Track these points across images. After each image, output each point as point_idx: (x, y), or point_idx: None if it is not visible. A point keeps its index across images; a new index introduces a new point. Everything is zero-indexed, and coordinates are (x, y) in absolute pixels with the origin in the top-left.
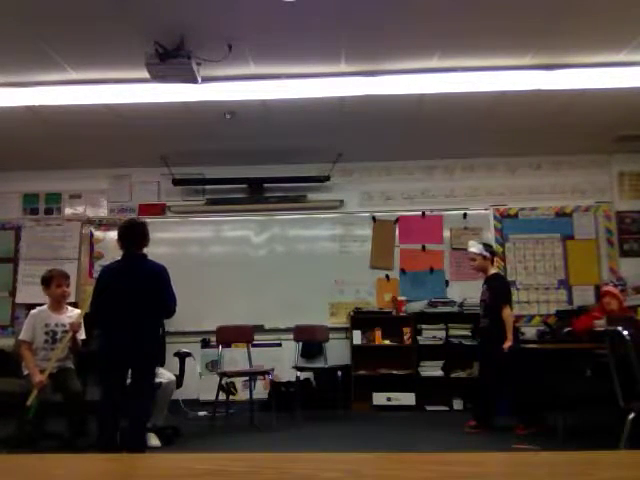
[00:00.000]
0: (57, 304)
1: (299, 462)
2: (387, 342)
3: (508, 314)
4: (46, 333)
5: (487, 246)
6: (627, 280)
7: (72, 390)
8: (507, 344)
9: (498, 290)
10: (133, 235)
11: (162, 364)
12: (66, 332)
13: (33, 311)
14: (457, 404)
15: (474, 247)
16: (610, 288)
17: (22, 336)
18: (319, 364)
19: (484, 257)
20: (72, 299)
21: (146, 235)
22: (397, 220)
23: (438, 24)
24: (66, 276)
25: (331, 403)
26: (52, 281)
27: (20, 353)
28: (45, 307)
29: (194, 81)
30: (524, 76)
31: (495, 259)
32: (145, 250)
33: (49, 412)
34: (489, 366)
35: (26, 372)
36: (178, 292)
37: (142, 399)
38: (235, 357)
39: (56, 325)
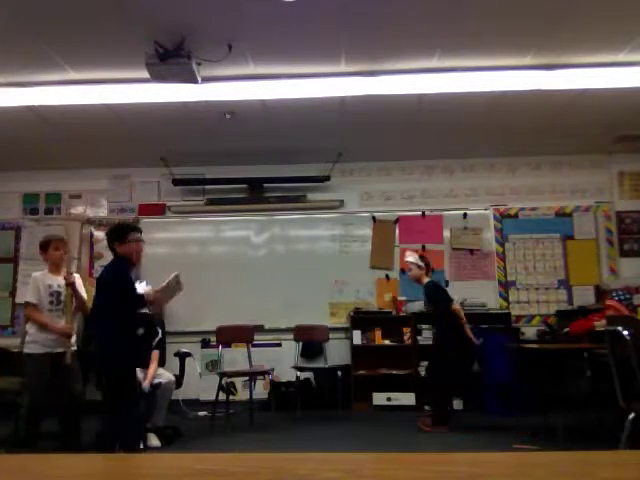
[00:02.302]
0: (55, 267)
1: (299, 462)
2: (387, 342)
3: (457, 309)
4: (50, 294)
5: (422, 258)
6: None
7: (74, 393)
8: (471, 336)
9: (433, 298)
10: None
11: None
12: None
13: (35, 274)
14: (457, 404)
15: (411, 257)
16: (614, 303)
17: (29, 298)
18: (319, 364)
19: (419, 267)
20: None
21: (108, 234)
22: (397, 220)
23: (438, 24)
24: (63, 240)
25: (331, 403)
26: (50, 245)
27: (30, 317)
28: (45, 271)
29: (194, 81)
30: (524, 76)
31: (429, 270)
32: (145, 250)
33: (45, 412)
34: (440, 367)
35: (29, 338)
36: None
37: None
38: (235, 357)
39: (59, 286)
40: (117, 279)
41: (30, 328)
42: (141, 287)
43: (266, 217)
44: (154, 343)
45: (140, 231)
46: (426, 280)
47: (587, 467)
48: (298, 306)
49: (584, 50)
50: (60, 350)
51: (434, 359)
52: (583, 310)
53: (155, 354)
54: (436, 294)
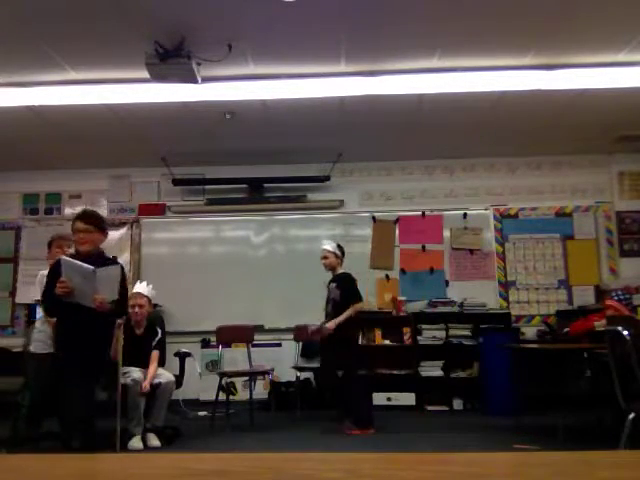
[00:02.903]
0: None
1: (299, 462)
2: (387, 342)
3: (359, 307)
4: None
5: (339, 247)
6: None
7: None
8: (331, 324)
9: (348, 289)
10: None
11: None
12: None
13: (42, 272)
14: (457, 404)
15: (328, 245)
16: (614, 303)
17: (40, 297)
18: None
19: (335, 255)
20: None
21: None
22: (397, 220)
23: (438, 24)
24: (66, 239)
25: (331, 403)
26: (53, 244)
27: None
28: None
29: (194, 81)
30: (524, 76)
31: (343, 259)
32: (145, 250)
33: (45, 412)
34: (342, 366)
35: (37, 337)
36: (178, 292)
37: None
38: (235, 357)
39: None
40: None
41: (41, 325)
42: (141, 287)
43: (266, 217)
44: (153, 343)
45: (80, 217)
46: (340, 270)
47: (587, 467)
48: (298, 306)
49: (584, 50)
50: None
51: (338, 356)
52: (583, 310)
53: (155, 354)
54: (352, 286)
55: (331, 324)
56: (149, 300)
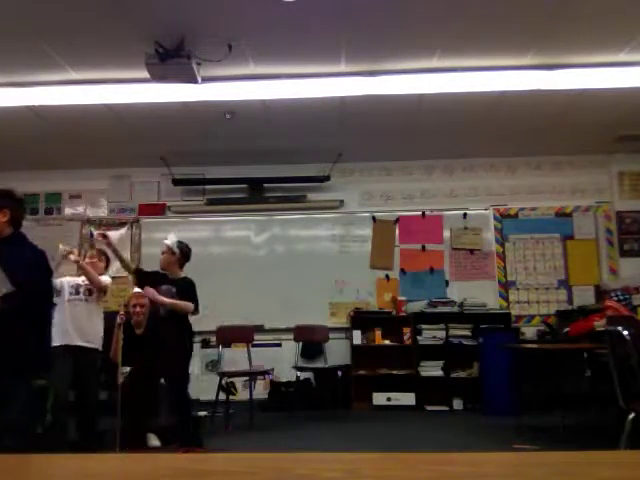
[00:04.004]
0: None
1: (299, 462)
2: (387, 342)
3: (187, 307)
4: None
5: (182, 244)
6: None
7: (84, 390)
8: (163, 299)
9: (192, 298)
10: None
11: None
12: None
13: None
14: (457, 404)
15: (169, 240)
16: (613, 303)
17: None
18: (319, 364)
19: (172, 253)
20: None
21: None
22: (397, 220)
23: (438, 24)
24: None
25: (331, 403)
26: None
27: None
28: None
29: (194, 81)
30: (524, 76)
31: (185, 261)
32: (145, 250)
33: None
34: (180, 379)
35: None
36: None
37: None
38: (235, 357)
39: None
40: None
41: None
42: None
43: (266, 217)
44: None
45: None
46: (182, 274)
47: (587, 467)
48: (298, 306)
49: (584, 50)
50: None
51: (175, 366)
52: (583, 310)
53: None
54: (195, 293)
55: (167, 300)
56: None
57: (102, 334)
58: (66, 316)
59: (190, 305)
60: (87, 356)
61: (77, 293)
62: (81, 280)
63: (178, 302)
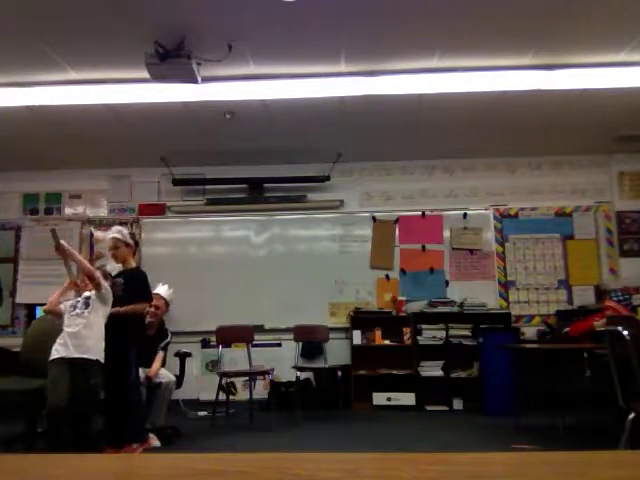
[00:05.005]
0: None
1: (299, 462)
2: (387, 342)
3: (143, 307)
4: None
5: (131, 234)
6: (632, 298)
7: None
8: (118, 309)
9: (144, 290)
10: None
11: None
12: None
13: None
14: (457, 404)
15: (118, 233)
16: (613, 304)
17: None
18: (319, 364)
19: (127, 244)
20: None
21: None
22: (397, 220)
23: (438, 24)
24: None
25: (331, 403)
26: None
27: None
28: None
29: (194, 81)
30: (524, 76)
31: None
32: (145, 250)
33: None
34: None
35: None
36: (178, 292)
37: None
38: (235, 357)
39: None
40: None
41: None
42: (162, 289)
43: (266, 217)
44: (162, 345)
45: None
46: (134, 265)
47: (587, 467)
48: (298, 306)
49: (584, 50)
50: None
51: (119, 361)
52: (583, 310)
53: (160, 355)
54: (146, 285)
55: (122, 309)
56: (166, 303)
57: (103, 345)
58: (65, 331)
59: (144, 304)
60: (83, 367)
61: (75, 309)
62: (76, 299)
63: (135, 307)
